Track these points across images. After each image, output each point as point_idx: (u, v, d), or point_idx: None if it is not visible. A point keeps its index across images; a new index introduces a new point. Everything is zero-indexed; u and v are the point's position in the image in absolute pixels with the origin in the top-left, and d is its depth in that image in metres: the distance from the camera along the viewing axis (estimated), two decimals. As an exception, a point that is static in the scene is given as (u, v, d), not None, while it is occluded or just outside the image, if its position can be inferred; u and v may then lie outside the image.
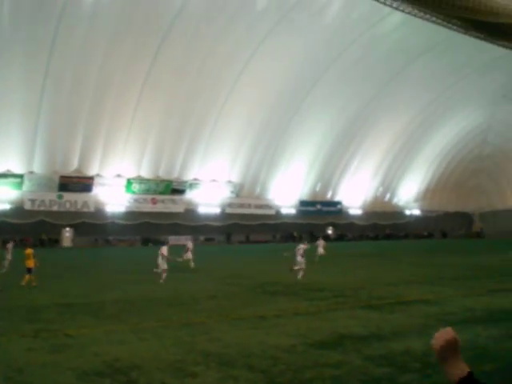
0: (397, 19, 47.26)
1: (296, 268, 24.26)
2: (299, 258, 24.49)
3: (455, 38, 28.01)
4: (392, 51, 55.98)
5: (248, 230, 73.47)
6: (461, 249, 51.21)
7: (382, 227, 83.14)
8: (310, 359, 9.60)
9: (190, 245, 31.06)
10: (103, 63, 52.10)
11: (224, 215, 71.92)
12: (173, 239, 67.20)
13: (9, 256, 27.74)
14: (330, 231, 79.54)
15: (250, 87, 58.49)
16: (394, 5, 5.32)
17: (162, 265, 23.65)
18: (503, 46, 5.80)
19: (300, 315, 14.65)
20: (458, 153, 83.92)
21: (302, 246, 25.30)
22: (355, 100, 64.67)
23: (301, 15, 50.57)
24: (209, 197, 69.76)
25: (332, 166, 74.29)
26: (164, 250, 24.12)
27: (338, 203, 79.87)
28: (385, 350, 10.20)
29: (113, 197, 64.85)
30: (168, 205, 68.72)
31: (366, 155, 75.13)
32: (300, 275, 23.96)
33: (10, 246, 28.61)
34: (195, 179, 68.64)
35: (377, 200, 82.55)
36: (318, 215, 77.36)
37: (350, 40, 54.96)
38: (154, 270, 24.40)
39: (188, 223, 68.97)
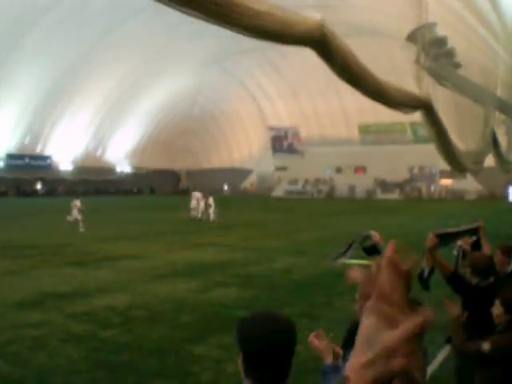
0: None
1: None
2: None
3: None
4: (109, 6, 54.90)
5: None
6: (166, 205, 53.18)
7: (93, 183, 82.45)
8: (9, 320, 9.38)
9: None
10: None
11: None
12: None
13: None
14: (38, 186, 76.68)
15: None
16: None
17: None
18: (183, 12, 6.12)
19: (2, 275, 14.05)
20: (169, 112, 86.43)
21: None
22: (69, 53, 62.41)
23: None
24: None
25: (42, 119, 71.19)
26: None
27: (48, 157, 77.14)
28: (87, 307, 10.38)
29: None
30: None
31: (79, 110, 73.38)
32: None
33: None
34: None
35: (88, 156, 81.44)
36: (27, 170, 73.94)
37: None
38: None
39: None
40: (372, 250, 5.46)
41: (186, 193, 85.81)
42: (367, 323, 0.92)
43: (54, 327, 9.02)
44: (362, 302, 3.07)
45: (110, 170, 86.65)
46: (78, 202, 27.96)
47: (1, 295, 11.47)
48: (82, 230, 26.18)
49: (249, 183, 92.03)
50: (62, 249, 19.34)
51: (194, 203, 34.67)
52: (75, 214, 27.36)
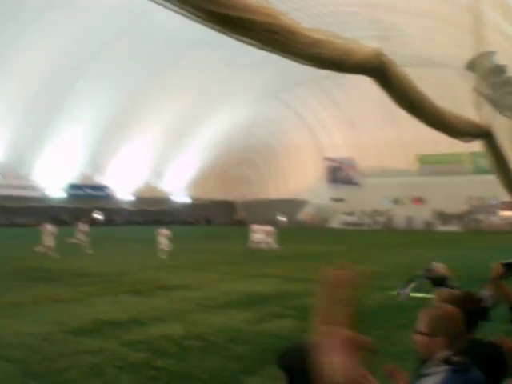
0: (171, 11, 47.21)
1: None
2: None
3: (227, 33, 29.01)
4: (165, 41, 56.28)
5: (11, 212, 69.41)
6: (222, 235, 53.42)
7: (150, 213, 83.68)
8: (67, 347, 9.50)
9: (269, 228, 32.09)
10: None
11: (-15, 197, 67.16)
12: None
13: None
14: (98, 215, 78.29)
15: (19, 63, 55.15)
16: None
17: None
18: (239, 40, 6.18)
19: (61, 302, 14.35)
20: (226, 144, 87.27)
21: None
22: (128, 86, 64.07)
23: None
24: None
25: (103, 151, 72.98)
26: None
27: (107, 188, 78.91)
28: (143, 335, 10.43)
29: None
30: None
31: (137, 141, 74.98)
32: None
33: None
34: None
35: (146, 186, 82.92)
36: (87, 199, 75.78)
37: (127, 25, 54.27)
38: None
39: None
40: (439, 281, 5.35)
41: (242, 223, 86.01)
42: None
43: (111, 354, 9.08)
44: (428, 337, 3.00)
45: (167, 200, 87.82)
46: (165, 231, 29.27)
47: (60, 322, 11.65)
48: (164, 257, 27.66)
49: (305, 214, 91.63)
50: (120, 277, 19.59)
51: (254, 236, 34.78)
52: (164, 241, 28.64)
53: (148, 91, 66.28)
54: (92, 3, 50.34)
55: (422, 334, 3.05)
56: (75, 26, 52.87)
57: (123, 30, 55.04)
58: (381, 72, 7.81)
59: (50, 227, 28.66)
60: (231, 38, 6.21)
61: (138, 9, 48.94)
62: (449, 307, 3.15)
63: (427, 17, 30.70)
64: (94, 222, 75.49)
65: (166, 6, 5.71)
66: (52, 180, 71.58)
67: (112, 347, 9.55)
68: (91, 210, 76.48)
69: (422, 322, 3.06)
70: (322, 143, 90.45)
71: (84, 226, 32.51)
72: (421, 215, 77.63)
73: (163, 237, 29.07)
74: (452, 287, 5.17)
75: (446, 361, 2.86)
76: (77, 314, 12.68)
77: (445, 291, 4.28)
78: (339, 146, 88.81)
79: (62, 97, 62.30)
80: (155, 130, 74.64)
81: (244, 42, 6.22)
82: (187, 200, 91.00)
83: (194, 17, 5.66)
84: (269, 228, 34.81)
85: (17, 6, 48.77)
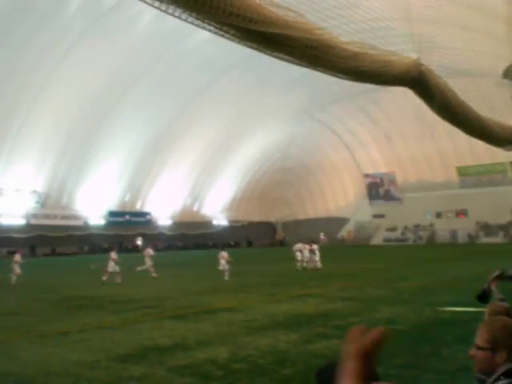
0: (205, 35, 47.61)
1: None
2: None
3: (260, 55, 29.14)
4: (200, 66, 56.85)
5: (54, 241, 70.44)
6: (264, 256, 53.20)
7: (191, 237, 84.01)
8: (113, 374, 9.43)
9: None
10: None
11: (28, 227, 68.20)
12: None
13: None
14: (139, 242, 78.72)
15: (57, 94, 56.06)
16: (162, 7, 5.43)
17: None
18: (277, 57, 6.11)
19: (105, 329, 14.35)
20: (263, 165, 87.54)
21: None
22: (164, 112, 64.77)
23: (112, 24, 49.46)
24: (12, 207, 65.61)
25: (141, 177, 73.75)
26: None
27: (147, 214, 79.52)
28: (189, 360, 10.30)
29: None
30: (-35, 216, 63.73)
31: (175, 166, 75.53)
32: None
33: None
34: (-4, 188, 64.36)
35: (186, 210, 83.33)
36: (127, 226, 76.39)
37: (160, 52, 54.94)
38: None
39: (-13, 235, 64.48)
40: (485, 295, 5.19)
41: (283, 244, 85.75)
42: None
43: (157, 380, 8.97)
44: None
45: (207, 223, 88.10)
46: (224, 254, 29.80)
47: (105, 349, 11.61)
48: (226, 278, 28.19)
49: (346, 232, 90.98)
50: (162, 302, 19.56)
51: (298, 255, 34.71)
52: (223, 264, 29.25)
53: (183, 117, 66.86)
54: (127, 31, 51.19)
55: (481, 348, 2.86)
56: (110, 55, 53.69)
57: (157, 57, 55.77)
58: (421, 82, 7.64)
59: (114, 254, 29.17)
60: (270, 55, 6.14)
61: (173, 34, 49.60)
62: (507, 319, 2.97)
63: (462, 27, 30.39)
64: (137, 248, 76.15)
65: (205, 28, 5.67)
66: (93, 208, 72.38)
67: (157, 373, 9.45)
68: (132, 237, 77.01)
69: (481, 336, 2.87)
70: (360, 160, 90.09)
71: (150, 251, 33.96)
72: (464, 228, 76.39)
73: (223, 259, 29.51)
74: (500, 300, 5.03)
75: (508, 374, 2.67)
76: (121, 340, 12.64)
77: (495, 305, 4.15)
78: (378, 162, 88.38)
79: (100, 126, 63.20)
80: (192, 154, 75.12)
81: (282, 58, 6.16)
82: (227, 223, 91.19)
83: (233, 37, 5.62)
84: (314, 246, 34.78)
85: (52, 39, 49.74)
